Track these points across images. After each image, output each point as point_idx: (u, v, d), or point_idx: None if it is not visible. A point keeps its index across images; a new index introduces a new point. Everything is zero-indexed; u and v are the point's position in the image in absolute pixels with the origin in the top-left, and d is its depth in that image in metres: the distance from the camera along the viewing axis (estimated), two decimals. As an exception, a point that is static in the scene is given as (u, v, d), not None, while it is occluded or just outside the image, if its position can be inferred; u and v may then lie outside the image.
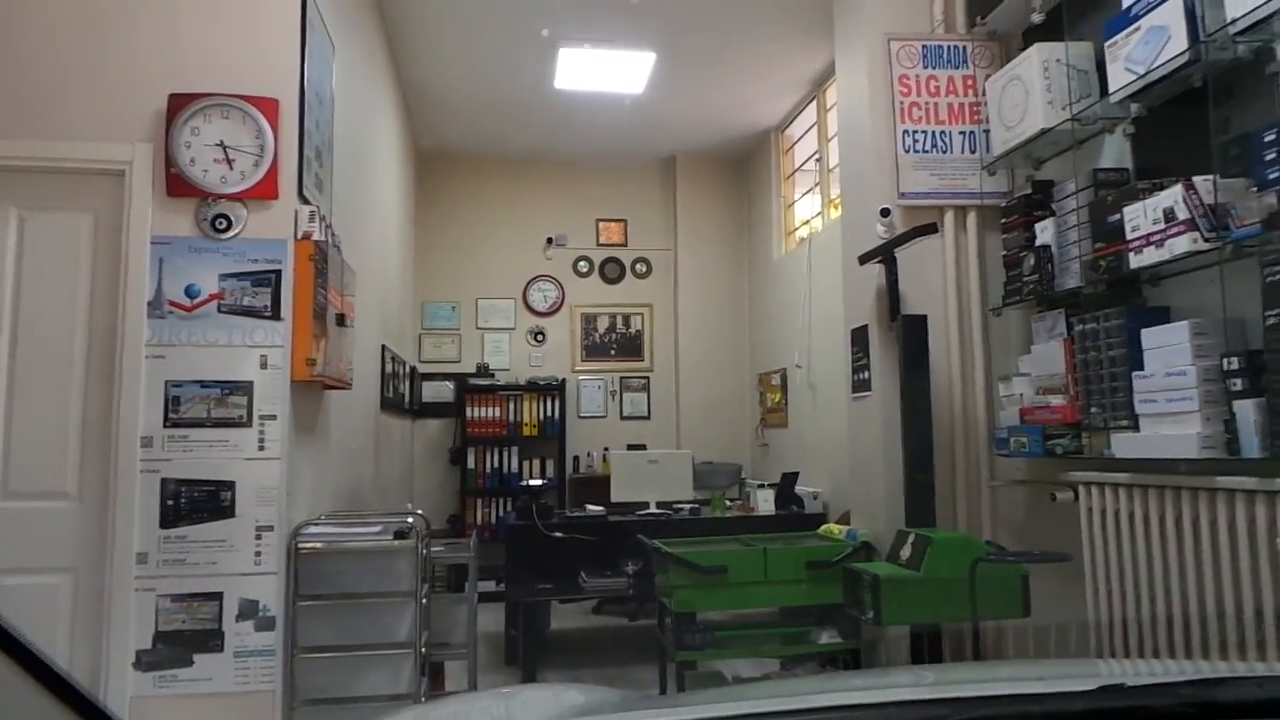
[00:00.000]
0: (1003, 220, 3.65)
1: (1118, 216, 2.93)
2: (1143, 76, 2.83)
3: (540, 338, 7.66)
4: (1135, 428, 2.87)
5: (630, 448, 7.33)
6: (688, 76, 6.11)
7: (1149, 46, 2.80)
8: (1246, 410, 2.48)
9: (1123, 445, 2.91)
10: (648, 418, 7.71)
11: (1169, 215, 2.68)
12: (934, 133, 3.74)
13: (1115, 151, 3.26)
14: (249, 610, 3.03)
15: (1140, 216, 2.80)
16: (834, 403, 5.75)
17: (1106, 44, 3.03)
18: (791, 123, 6.96)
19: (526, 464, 7.22)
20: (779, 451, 7.00)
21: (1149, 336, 2.84)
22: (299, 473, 3.26)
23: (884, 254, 3.66)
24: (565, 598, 5.46)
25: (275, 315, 3.06)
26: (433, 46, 5.60)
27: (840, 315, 5.61)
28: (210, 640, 2.96)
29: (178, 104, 2.99)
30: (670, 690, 4.02)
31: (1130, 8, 2.91)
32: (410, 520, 3.34)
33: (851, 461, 4.16)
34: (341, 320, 3.47)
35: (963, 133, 3.76)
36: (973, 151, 3.77)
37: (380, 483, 5.48)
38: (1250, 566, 2.44)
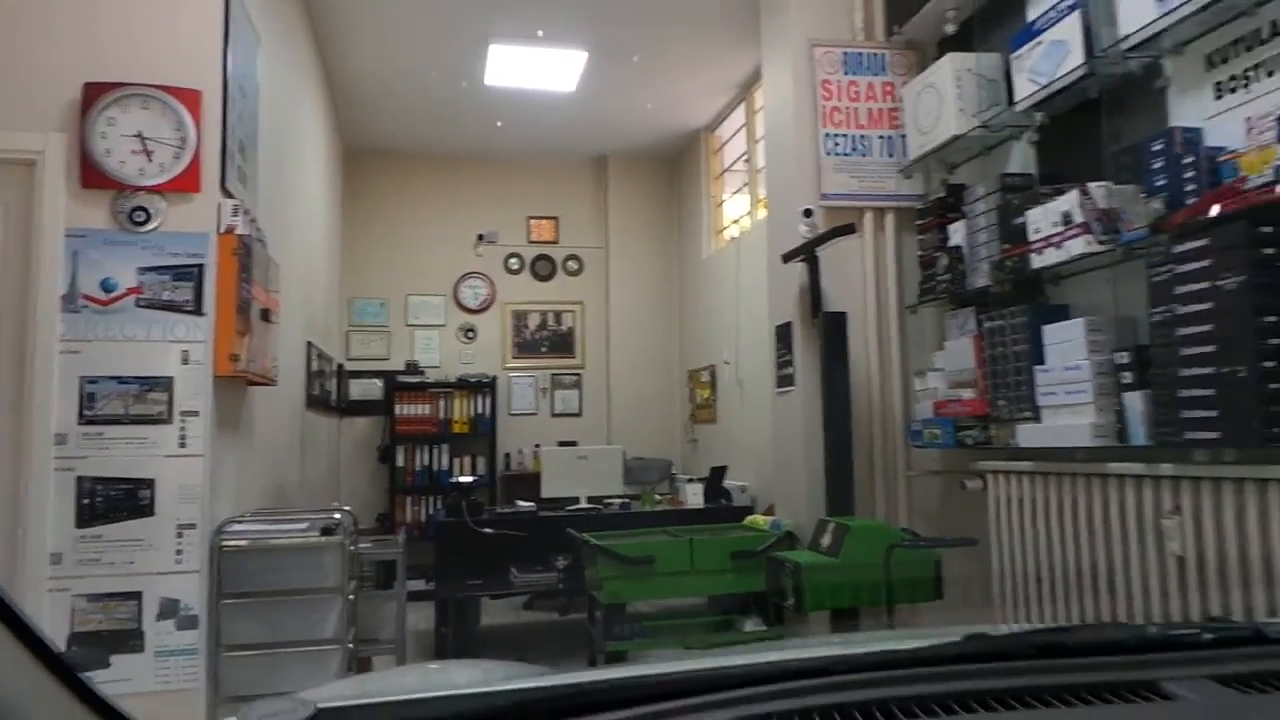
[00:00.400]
0: (918, 222, 3.81)
1: (1021, 219, 3.09)
2: (1045, 87, 3.00)
3: (471, 335, 7.64)
4: (1037, 419, 3.04)
5: (561, 444, 7.36)
6: (619, 76, 6.17)
7: (1050, 60, 2.97)
8: (1135, 401, 2.65)
9: (1026, 435, 3.08)
10: (579, 415, 7.76)
11: (1066, 219, 2.84)
12: (854, 136, 3.87)
13: (1022, 157, 3.43)
14: (170, 609, 2.98)
15: (1041, 219, 2.96)
16: (761, 399, 5.88)
17: (1012, 55, 3.19)
18: (721, 123, 7.08)
19: (457, 461, 7.20)
20: (708, 447, 7.12)
21: (1049, 333, 3.01)
22: (222, 470, 3.22)
23: (805, 253, 3.78)
24: (495, 593, 5.47)
25: (197, 310, 3.02)
26: (361, 41, 5.55)
27: (766, 313, 5.75)
28: (129, 640, 2.91)
29: (94, 93, 2.92)
30: (599, 681, 4.08)
31: (1033, 22, 3.08)
32: (338, 516, 3.33)
33: (776, 455, 4.27)
34: (266, 315, 3.43)
35: (881, 137, 3.90)
36: (891, 155, 3.92)
37: (306, 481, 5.41)
38: (1139, 546, 2.62)
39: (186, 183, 2.99)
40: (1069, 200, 2.83)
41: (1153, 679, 0.65)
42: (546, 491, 5.69)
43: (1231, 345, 2.29)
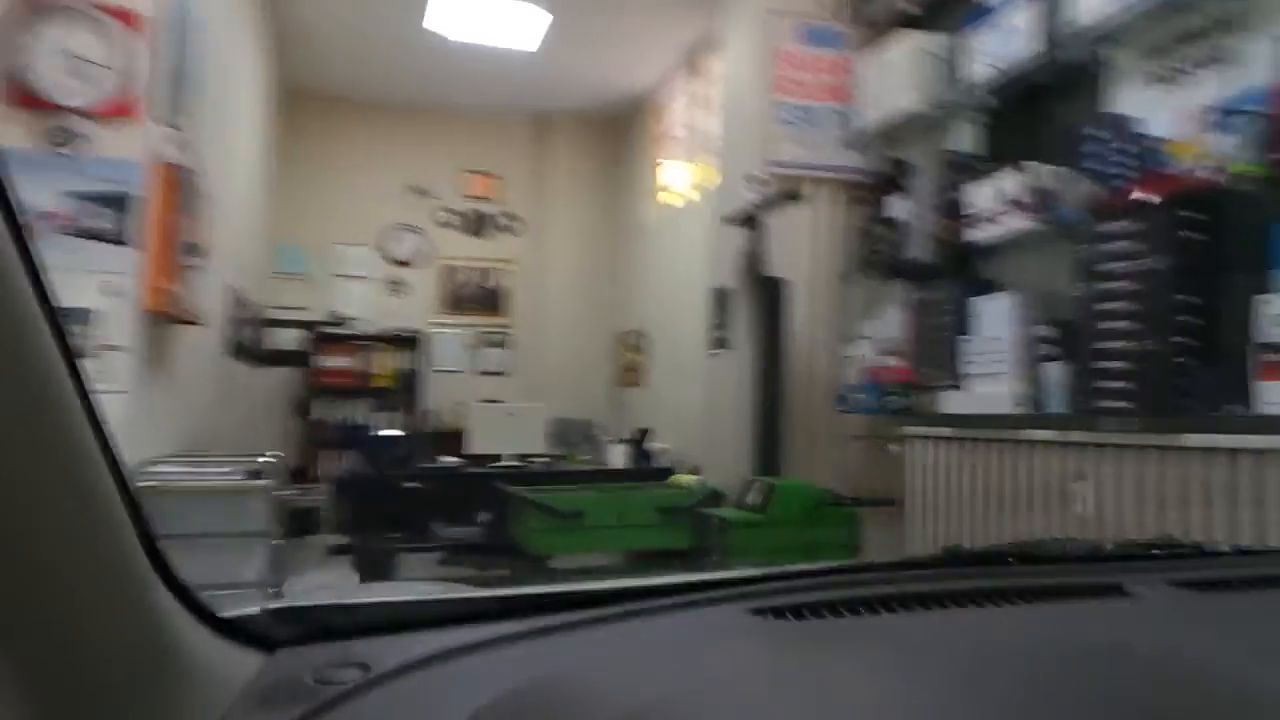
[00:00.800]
0: (859, 194, 3.91)
1: (959, 195, 3.21)
2: (1000, 70, 3.11)
3: (399, 288, 7.49)
4: (958, 387, 3.18)
5: (485, 403, 7.32)
6: (566, 36, 6.08)
7: (1004, 44, 3.08)
8: (1053, 372, 2.81)
9: (948, 402, 3.23)
10: (505, 374, 7.71)
11: (1005, 197, 2.97)
12: (807, 108, 3.93)
13: (969, 138, 3.55)
14: (87, 549, 2.88)
15: (982, 196, 3.09)
16: (690, 364, 5.96)
17: (967, 38, 3.29)
18: (666, 89, 7.06)
19: (378, 416, 7.08)
20: (633, 410, 7.18)
21: (979, 305, 3.14)
22: (145, 408, 3.11)
23: (750, 217, 3.85)
24: (417, 547, 5.44)
25: (123, 240, 2.89)
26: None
27: (701, 281, 5.81)
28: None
29: (24, 6, 2.75)
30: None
31: (988, 6, 3.18)
32: (264, 460, 3.26)
33: (706, 414, 4.36)
34: (196, 251, 3.31)
35: (834, 110, 3.97)
36: (841, 129, 4.00)
37: (220, 430, 5.25)
38: (1044, 508, 2.79)
39: (120, 108, 2.85)
40: (1008, 179, 2.96)
41: (1116, 582, 0.72)
42: (473, 448, 5.67)
43: (1148, 321, 2.44)
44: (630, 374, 7.29)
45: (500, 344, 7.73)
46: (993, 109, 3.38)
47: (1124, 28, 2.72)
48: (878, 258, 3.71)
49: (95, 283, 2.86)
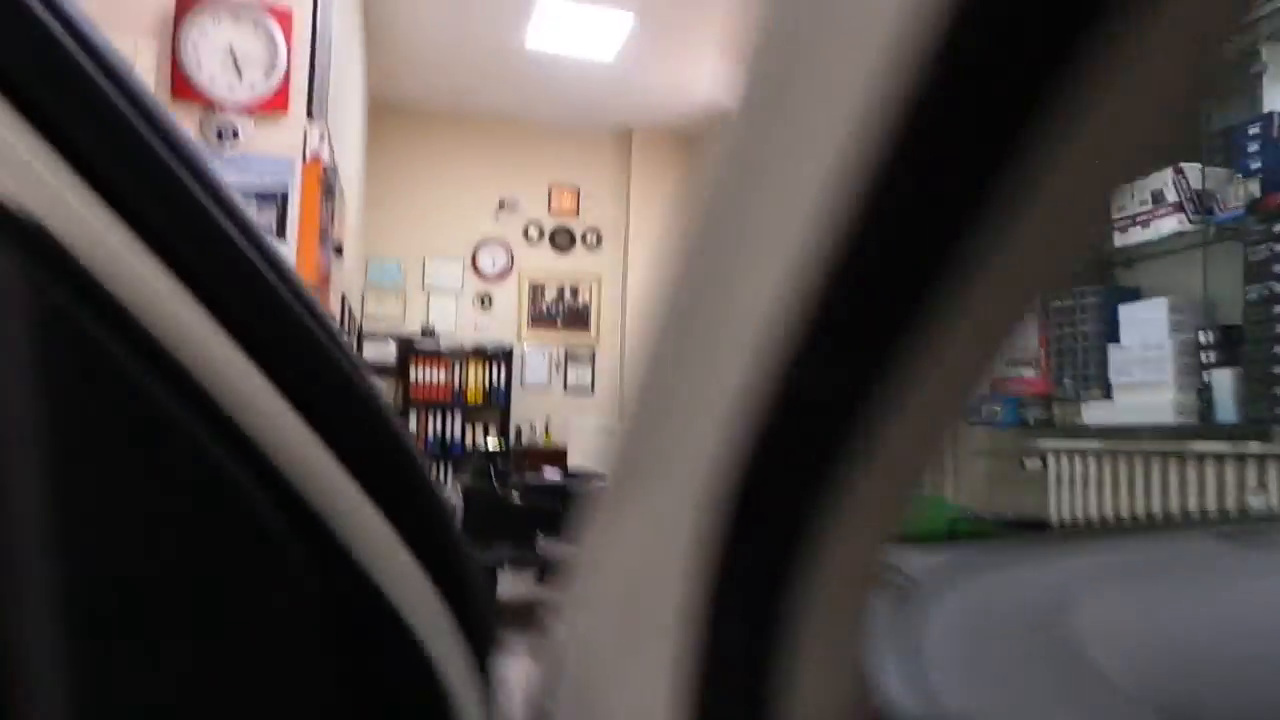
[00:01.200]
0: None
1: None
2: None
3: (487, 303, 7.57)
4: (1108, 397, 3.07)
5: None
6: (656, 48, 6.13)
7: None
8: (1223, 379, 2.69)
9: (1095, 413, 3.11)
10: (591, 392, 7.72)
11: (1157, 197, 2.88)
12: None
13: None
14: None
15: (1128, 198, 2.99)
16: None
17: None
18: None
19: (469, 430, 7.13)
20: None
21: (1126, 312, 3.04)
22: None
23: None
24: (522, 562, 5.43)
25: (280, 235, 2.95)
26: (408, -8, 5.46)
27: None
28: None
29: (187, 2, 2.85)
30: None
31: None
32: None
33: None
34: (339, 250, 3.37)
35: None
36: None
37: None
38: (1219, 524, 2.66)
39: (275, 104, 2.93)
40: (1160, 179, 2.87)
41: None
42: (573, 462, 5.67)
43: (1336, 323, 2.33)
44: (718, 392, 7.24)
45: (586, 360, 7.75)
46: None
47: (1277, 24, 2.64)
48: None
49: (249, 276, 2.92)
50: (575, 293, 7.80)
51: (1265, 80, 2.78)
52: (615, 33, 5.94)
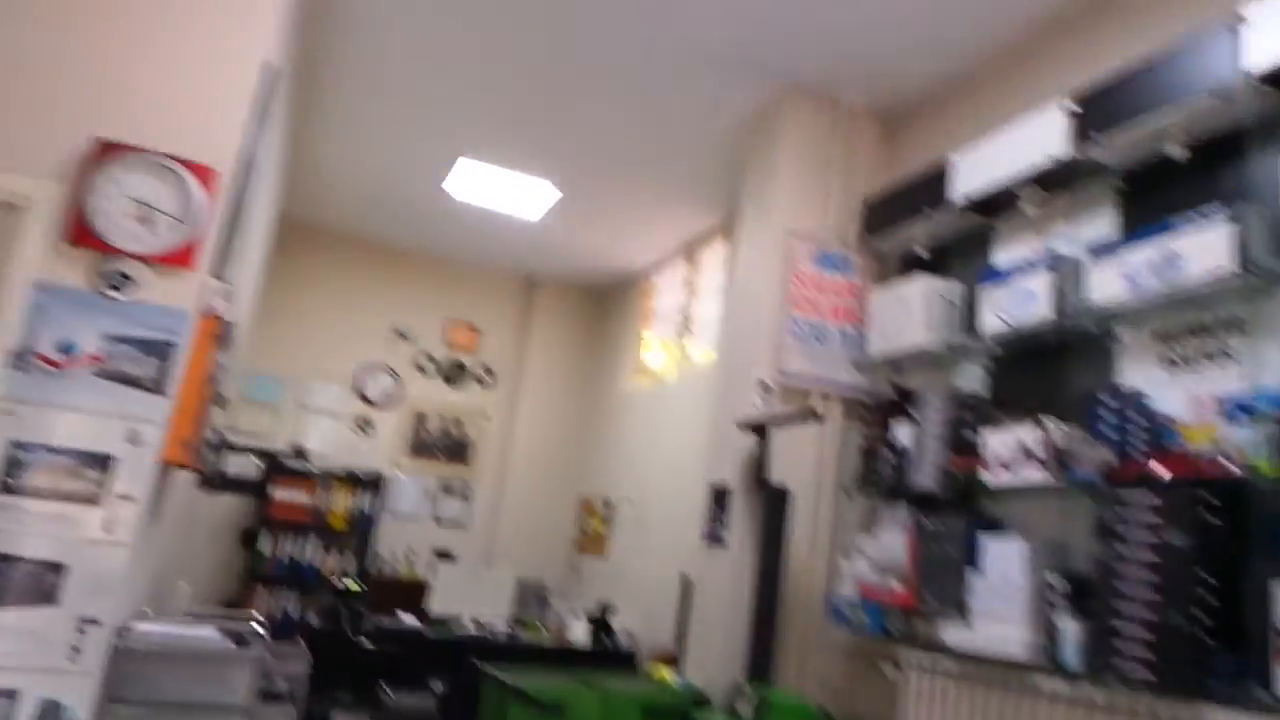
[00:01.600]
0: (867, 415, 4.06)
1: (975, 437, 3.37)
2: (1011, 327, 3.34)
3: (367, 428, 7.36)
4: (966, 622, 3.22)
5: (439, 554, 7.11)
6: (569, 211, 6.34)
7: (1018, 304, 3.32)
8: (1070, 627, 2.87)
9: (954, 635, 3.25)
10: (463, 526, 7.53)
11: (1024, 449, 3.12)
12: (818, 325, 4.13)
13: (972, 377, 3.75)
14: (50, 713, 2.65)
15: (998, 443, 3.24)
16: (666, 544, 5.91)
17: (981, 289, 3.54)
18: (658, 271, 7.32)
19: (326, 556, 6.79)
20: (591, 579, 7.04)
21: (988, 546, 3.23)
22: (139, 562, 2.95)
23: (759, 426, 3.95)
24: (366, 714, 5.11)
25: (159, 390, 2.83)
26: (331, 116, 5.50)
27: (684, 461, 5.85)
28: (-2, 749, 2.56)
29: (104, 150, 2.78)
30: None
31: (1004, 267, 3.44)
32: (252, 625, 3.09)
33: (698, 607, 4.29)
34: (220, 401, 3.24)
35: (841, 330, 4.18)
36: (850, 350, 4.20)
37: (176, 559, 4.96)
38: (1061, 768, 2.79)
39: (179, 258, 2.85)
40: (1027, 432, 3.12)
41: None
42: (436, 607, 5.47)
43: (1168, 594, 2.54)
44: (592, 541, 7.19)
45: (461, 495, 7.58)
46: (1000, 358, 3.60)
47: (1135, 312, 2.97)
48: (880, 478, 3.82)
49: (123, 430, 2.77)
50: (460, 425, 7.70)
51: (1120, 356, 3.09)
52: (541, 198, 6.14)
